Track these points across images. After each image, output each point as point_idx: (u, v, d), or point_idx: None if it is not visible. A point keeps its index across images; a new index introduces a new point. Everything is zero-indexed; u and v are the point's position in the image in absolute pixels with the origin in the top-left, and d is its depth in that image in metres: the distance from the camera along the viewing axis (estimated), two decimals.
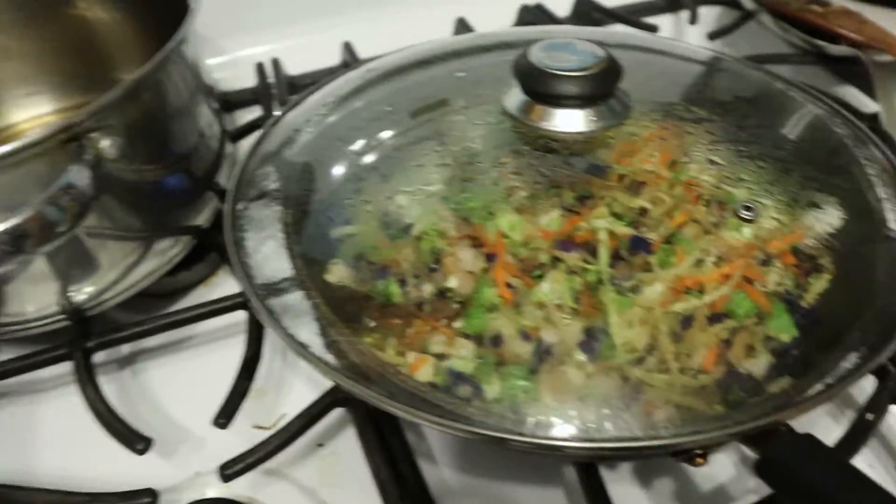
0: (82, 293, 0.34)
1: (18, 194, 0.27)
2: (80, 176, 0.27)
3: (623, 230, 0.28)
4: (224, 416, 0.31)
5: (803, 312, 0.27)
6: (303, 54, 0.54)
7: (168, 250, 0.37)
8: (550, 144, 0.31)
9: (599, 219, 0.28)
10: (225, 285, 0.40)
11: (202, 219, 0.38)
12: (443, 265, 0.27)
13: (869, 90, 0.48)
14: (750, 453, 0.24)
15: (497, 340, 0.26)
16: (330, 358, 0.26)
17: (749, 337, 0.26)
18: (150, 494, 0.29)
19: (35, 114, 0.47)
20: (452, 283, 0.27)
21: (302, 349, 0.27)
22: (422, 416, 0.24)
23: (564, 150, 0.31)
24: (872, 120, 0.43)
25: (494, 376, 0.25)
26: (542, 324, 0.26)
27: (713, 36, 0.58)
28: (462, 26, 0.57)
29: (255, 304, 0.28)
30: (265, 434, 0.30)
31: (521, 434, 0.24)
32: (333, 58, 0.55)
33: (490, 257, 0.27)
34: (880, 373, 0.31)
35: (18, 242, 0.26)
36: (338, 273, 0.29)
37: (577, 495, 0.29)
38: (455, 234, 0.28)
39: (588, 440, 0.24)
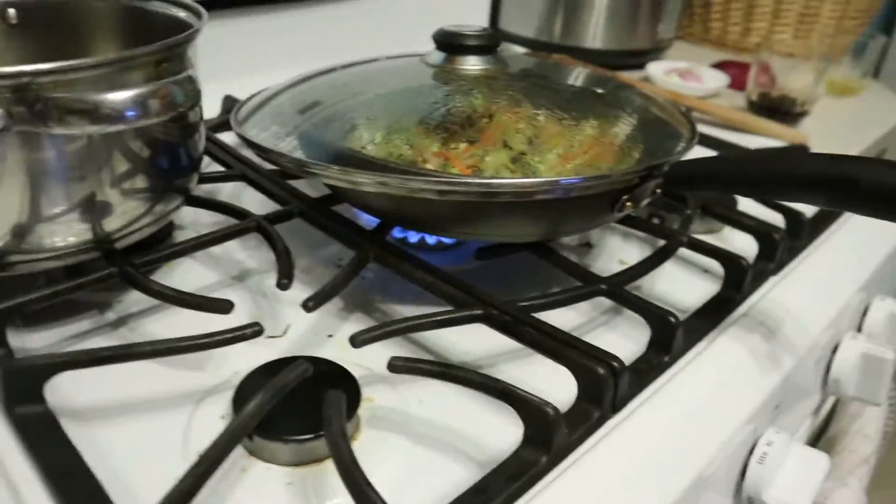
0: (111, 224, 0.39)
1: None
2: (192, 77, 0.35)
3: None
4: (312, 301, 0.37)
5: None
6: None
7: (169, 203, 0.43)
8: (464, 76, 0.47)
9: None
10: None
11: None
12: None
13: None
14: None
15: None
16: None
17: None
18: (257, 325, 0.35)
19: None
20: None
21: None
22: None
23: (471, 80, 0.47)
24: None
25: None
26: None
27: None
28: None
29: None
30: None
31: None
32: None
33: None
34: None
35: (147, 105, 0.32)
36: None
37: None
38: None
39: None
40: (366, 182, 0.37)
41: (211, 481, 0.27)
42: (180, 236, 0.48)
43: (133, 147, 0.37)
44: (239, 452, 0.32)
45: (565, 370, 0.33)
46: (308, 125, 0.43)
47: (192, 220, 0.50)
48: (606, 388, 0.33)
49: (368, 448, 0.32)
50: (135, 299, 0.41)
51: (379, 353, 0.36)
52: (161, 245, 0.44)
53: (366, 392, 0.35)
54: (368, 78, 0.50)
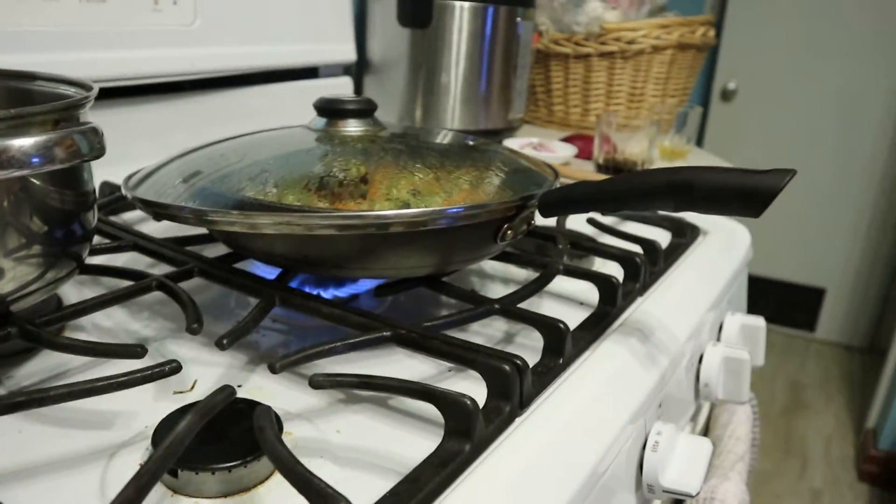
0: (5, 287, 0.38)
1: None
2: (96, 129, 0.36)
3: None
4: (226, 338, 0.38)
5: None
6: None
7: (62, 269, 0.43)
8: (346, 139, 0.50)
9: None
10: None
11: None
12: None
13: None
14: None
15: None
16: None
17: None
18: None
19: None
20: None
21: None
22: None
23: (353, 141, 0.51)
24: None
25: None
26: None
27: None
28: None
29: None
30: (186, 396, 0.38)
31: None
32: None
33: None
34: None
35: (52, 152, 0.33)
36: None
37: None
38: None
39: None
40: (266, 224, 0.39)
41: None
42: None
43: (28, 210, 0.37)
44: (162, 492, 0.31)
45: (475, 384, 0.36)
46: (199, 186, 0.45)
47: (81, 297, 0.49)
48: (513, 384, 0.36)
49: None
50: (27, 373, 0.40)
51: (292, 395, 0.38)
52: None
53: (284, 427, 0.35)
54: (254, 145, 0.52)
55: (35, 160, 0.32)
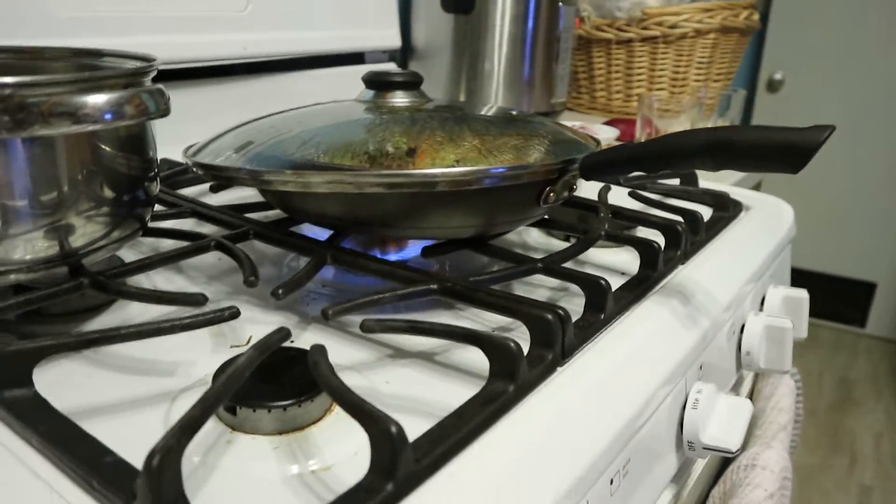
0: (76, 241, 0.41)
1: None
2: (162, 90, 0.39)
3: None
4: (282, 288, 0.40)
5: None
6: None
7: (127, 228, 0.45)
8: (394, 109, 0.52)
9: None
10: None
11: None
12: None
13: None
14: None
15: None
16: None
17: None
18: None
19: None
20: None
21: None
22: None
23: (400, 111, 0.52)
24: None
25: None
26: None
27: None
28: None
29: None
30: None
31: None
32: None
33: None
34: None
35: (122, 109, 0.36)
36: None
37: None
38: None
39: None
40: (319, 182, 0.41)
41: (199, 451, 0.29)
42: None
43: (98, 173, 0.40)
44: (222, 429, 0.33)
45: None
46: (253, 153, 0.47)
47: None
48: (556, 333, 0.37)
49: (343, 416, 0.34)
50: (94, 328, 0.43)
51: (343, 350, 0.39)
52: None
53: None
54: (305, 117, 0.55)
55: (107, 116, 0.35)
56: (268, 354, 0.33)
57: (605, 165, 0.44)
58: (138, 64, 0.48)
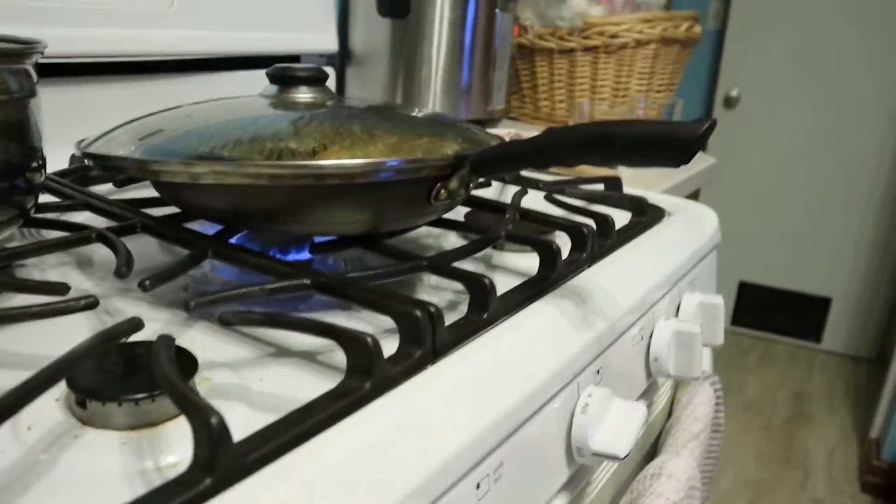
0: None
1: None
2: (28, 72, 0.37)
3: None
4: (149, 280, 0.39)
5: None
6: None
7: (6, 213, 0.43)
8: (296, 105, 0.51)
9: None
10: None
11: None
12: None
13: None
14: None
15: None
16: None
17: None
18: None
19: None
20: None
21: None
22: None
23: (302, 107, 0.51)
24: None
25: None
26: None
27: None
28: None
29: None
30: None
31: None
32: None
33: None
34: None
35: None
36: None
37: None
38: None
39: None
40: (204, 172, 0.39)
41: (44, 446, 0.27)
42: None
43: None
44: (73, 424, 0.32)
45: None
46: (147, 145, 0.46)
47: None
48: (425, 329, 0.36)
49: None
50: None
51: (225, 349, 0.38)
52: None
53: (204, 374, 0.36)
54: (206, 111, 0.53)
55: None
56: (113, 344, 0.31)
57: (495, 161, 0.43)
58: (21, 48, 0.46)
